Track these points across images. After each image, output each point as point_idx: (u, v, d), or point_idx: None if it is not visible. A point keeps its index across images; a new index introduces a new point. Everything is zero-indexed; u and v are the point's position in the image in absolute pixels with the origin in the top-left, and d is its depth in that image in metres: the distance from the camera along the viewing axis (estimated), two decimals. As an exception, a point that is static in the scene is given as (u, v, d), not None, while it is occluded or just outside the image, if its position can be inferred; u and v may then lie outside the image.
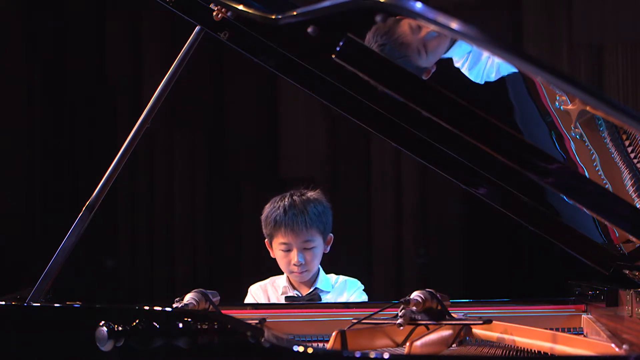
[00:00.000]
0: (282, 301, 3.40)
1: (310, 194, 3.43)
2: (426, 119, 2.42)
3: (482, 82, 2.69)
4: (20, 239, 5.87)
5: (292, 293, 3.42)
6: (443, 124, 2.40)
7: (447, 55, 2.68)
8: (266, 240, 3.45)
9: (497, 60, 2.61)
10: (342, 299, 3.43)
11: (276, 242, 3.39)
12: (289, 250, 3.37)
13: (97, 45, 6.08)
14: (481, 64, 2.68)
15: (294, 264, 3.36)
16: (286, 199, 3.40)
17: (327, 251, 3.44)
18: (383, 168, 5.76)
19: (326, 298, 3.42)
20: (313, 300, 3.38)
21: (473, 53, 2.66)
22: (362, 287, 3.50)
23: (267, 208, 3.43)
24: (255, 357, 2.19)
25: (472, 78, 2.69)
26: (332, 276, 3.49)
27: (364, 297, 3.47)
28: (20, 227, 5.91)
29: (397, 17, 2.54)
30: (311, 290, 3.41)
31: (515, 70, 2.60)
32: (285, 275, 3.46)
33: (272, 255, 3.45)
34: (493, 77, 2.69)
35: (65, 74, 6.02)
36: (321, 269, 3.45)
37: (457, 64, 2.69)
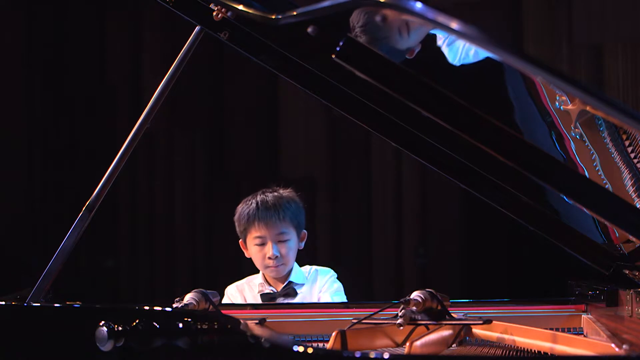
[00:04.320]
0: (259, 300, 3.40)
1: (283, 192, 3.44)
2: (426, 119, 2.42)
3: (460, 60, 2.67)
4: (20, 239, 5.87)
5: (267, 290, 3.41)
6: (443, 124, 2.40)
7: (433, 34, 2.66)
8: (240, 240, 3.45)
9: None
10: (316, 288, 3.43)
11: (250, 237, 3.39)
12: (263, 244, 3.38)
13: (97, 45, 6.08)
14: (459, 43, 2.67)
15: (269, 257, 3.36)
16: (258, 196, 3.42)
17: (301, 247, 3.45)
18: (383, 168, 5.76)
19: (301, 291, 3.41)
20: (289, 295, 3.39)
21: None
22: (335, 275, 3.49)
23: (240, 207, 3.45)
24: (255, 357, 2.19)
25: (450, 56, 2.67)
26: (306, 268, 3.49)
27: (336, 286, 3.45)
28: (20, 227, 5.92)
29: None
30: (285, 284, 3.41)
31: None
32: (260, 273, 3.46)
33: (247, 255, 3.45)
34: (472, 55, 2.67)
35: (65, 74, 6.02)
36: (295, 264, 3.46)
37: (439, 42, 2.68)
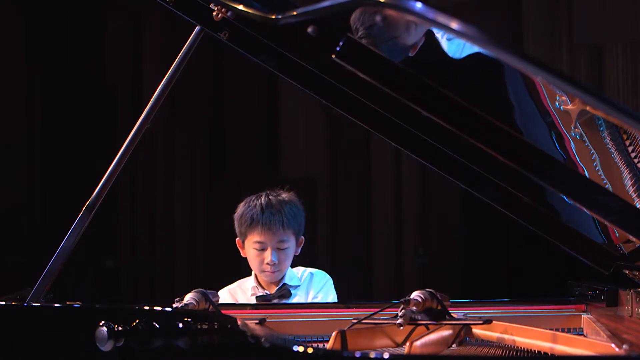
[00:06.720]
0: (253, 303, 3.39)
1: (285, 195, 3.41)
2: (426, 119, 2.42)
3: (463, 51, 2.67)
4: (20, 239, 5.87)
5: (261, 292, 3.40)
6: (443, 124, 2.40)
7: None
8: (237, 239, 3.42)
9: None
10: (311, 294, 3.42)
11: (250, 240, 3.37)
12: (263, 250, 3.35)
13: (97, 45, 6.09)
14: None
15: (267, 263, 3.34)
16: (262, 198, 3.38)
17: (297, 253, 3.42)
18: (383, 168, 5.76)
19: (296, 292, 3.40)
20: (283, 297, 3.37)
21: None
22: (330, 280, 3.47)
23: (242, 207, 3.41)
24: (255, 357, 2.19)
25: (452, 48, 2.67)
26: (299, 269, 3.47)
27: (331, 297, 3.44)
28: (20, 227, 5.92)
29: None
30: (279, 286, 3.40)
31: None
32: (253, 276, 3.44)
33: (242, 254, 3.43)
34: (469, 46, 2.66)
35: (65, 74, 6.02)
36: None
37: (438, 35, 2.67)
